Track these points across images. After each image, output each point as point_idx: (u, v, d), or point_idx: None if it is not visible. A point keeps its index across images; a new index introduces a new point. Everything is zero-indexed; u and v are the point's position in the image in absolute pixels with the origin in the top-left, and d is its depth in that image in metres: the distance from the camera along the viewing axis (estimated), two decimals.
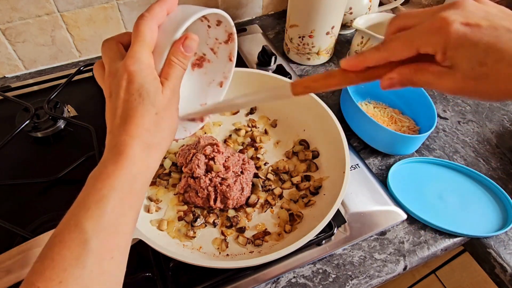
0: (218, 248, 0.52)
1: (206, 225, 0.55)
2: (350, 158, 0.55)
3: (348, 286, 0.52)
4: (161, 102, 0.33)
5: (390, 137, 0.62)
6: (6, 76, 0.79)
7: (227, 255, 0.52)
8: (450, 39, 0.28)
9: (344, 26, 0.89)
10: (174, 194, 0.58)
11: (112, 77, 0.33)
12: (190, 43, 0.34)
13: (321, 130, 0.62)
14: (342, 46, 0.89)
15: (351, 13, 0.86)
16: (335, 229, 0.54)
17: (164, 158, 0.61)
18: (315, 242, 0.54)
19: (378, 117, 0.69)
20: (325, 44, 0.79)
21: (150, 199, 0.57)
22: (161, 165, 0.61)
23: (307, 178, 0.60)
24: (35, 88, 0.76)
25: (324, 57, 0.83)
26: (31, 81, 0.77)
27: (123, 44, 0.36)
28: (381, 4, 0.90)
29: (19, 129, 0.64)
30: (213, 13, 0.37)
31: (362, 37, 0.76)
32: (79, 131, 0.69)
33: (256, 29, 0.92)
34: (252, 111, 0.69)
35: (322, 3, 0.71)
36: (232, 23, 0.41)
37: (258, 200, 0.57)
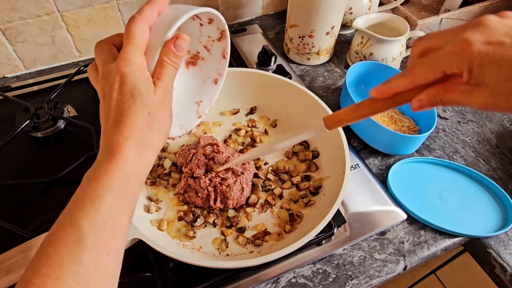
0: (218, 248, 0.52)
1: (206, 225, 0.55)
2: (350, 158, 0.55)
3: (348, 286, 0.52)
4: (154, 102, 0.33)
5: (390, 137, 0.62)
6: (6, 76, 0.79)
7: (227, 255, 0.52)
8: (474, 59, 0.29)
9: (344, 26, 0.89)
10: (174, 194, 0.58)
11: (105, 79, 0.34)
12: (181, 43, 0.35)
13: None
14: (342, 46, 0.89)
15: (351, 13, 0.86)
16: (335, 229, 0.54)
17: (164, 158, 0.61)
18: (315, 242, 0.54)
19: (378, 117, 0.69)
20: (325, 44, 0.79)
21: (150, 199, 0.57)
22: (161, 165, 0.61)
23: (307, 178, 0.60)
24: (35, 88, 0.76)
25: (324, 57, 0.83)
26: (31, 81, 0.77)
27: (116, 46, 0.36)
28: (381, 4, 0.90)
29: (19, 129, 0.64)
30: (203, 12, 0.37)
31: (362, 37, 0.76)
32: (79, 131, 0.69)
33: (256, 29, 0.92)
34: (252, 111, 0.69)
35: (322, 3, 0.71)
36: (224, 21, 0.41)
37: (258, 200, 0.57)
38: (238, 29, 0.91)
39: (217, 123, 0.68)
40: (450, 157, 0.68)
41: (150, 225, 0.53)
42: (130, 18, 0.34)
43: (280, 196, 0.58)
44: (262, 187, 0.59)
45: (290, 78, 0.72)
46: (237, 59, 0.81)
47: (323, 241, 0.54)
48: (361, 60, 0.78)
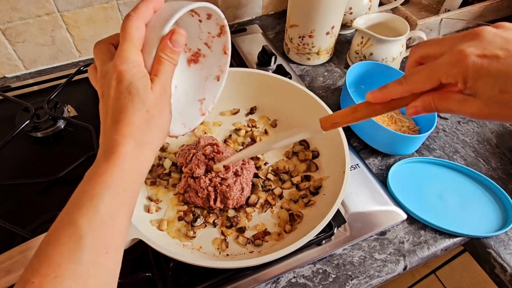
0: (218, 248, 0.52)
1: (206, 225, 0.55)
2: (350, 158, 0.55)
3: (348, 286, 0.52)
4: (151, 99, 0.33)
5: (390, 137, 0.62)
6: (6, 76, 0.79)
7: (227, 255, 0.52)
8: (469, 71, 0.29)
9: (344, 26, 0.89)
10: (174, 194, 0.58)
11: (103, 78, 0.34)
12: (178, 38, 0.34)
13: None
14: (342, 46, 0.89)
15: (351, 13, 0.86)
16: (335, 229, 0.54)
17: (164, 158, 0.61)
18: (315, 242, 0.54)
19: (378, 117, 0.69)
20: (325, 44, 0.79)
21: (150, 199, 0.57)
22: (161, 165, 0.61)
23: (307, 178, 0.60)
24: (35, 88, 0.76)
25: (324, 57, 0.83)
26: (31, 81, 0.77)
27: (114, 45, 0.36)
28: (381, 4, 0.90)
29: (19, 129, 0.64)
30: (200, 6, 0.37)
31: (362, 37, 0.76)
32: (79, 131, 0.69)
33: (256, 29, 0.92)
34: (252, 111, 0.69)
35: (322, 3, 0.71)
36: (222, 16, 0.41)
37: (258, 200, 0.57)
38: (238, 29, 0.91)
39: (217, 123, 0.68)
40: (450, 157, 0.68)
41: (150, 225, 0.53)
42: (125, 16, 0.34)
43: (280, 196, 0.58)
44: (262, 187, 0.59)
45: (290, 78, 0.72)
46: (237, 59, 0.81)
47: (323, 241, 0.54)
48: (361, 60, 0.78)
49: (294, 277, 0.52)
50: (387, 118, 0.69)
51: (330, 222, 0.52)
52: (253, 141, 0.65)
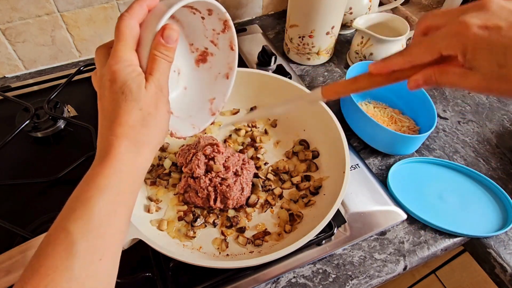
0: (218, 248, 0.52)
1: (206, 225, 0.55)
2: (350, 158, 0.55)
3: (348, 286, 0.52)
4: (145, 97, 0.32)
5: (390, 137, 0.62)
6: (6, 76, 0.79)
7: (227, 255, 0.52)
8: (469, 43, 0.29)
9: (344, 26, 0.89)
10: (174, 194, 0.58)
11: (100, 80, 0.33)
12: (169, 33, 0.33)
13: (321, 130, 0.62)
14: (342, 46, 0.89)
15: (351, 13, 0.86)
16: (335, 229, 0.54)
17: (164, 158, 0.61)
18: (315, 242, 0.54)
19: (378, 117, 0.69)
20: (325, 44, 0.79)
21: (150, 199, 0.57)
22: (161, 165, 0.61)
23: (307, 178, 0.60)
24: (35, 88, 0.76)
25: (324, 57, 0.83)
26: (31, 81, 0.77)
27: None
28: (381, 4, 0.90)
29: (19, 129, 0.64)
30: (197, 1, 0.36)
31: (362, 37, 0.76)
32: (79, 131, 0.69)
33: (256, 29, 0.92)
34: (252, 111, 0.69)
35: (322, 3, 0.71)
36: (223, 9, 0.40)
37: (258, 200, 0.57)
38: (238, 29, 0.91)
39: (217, 123, 0.68)
40: (450, 157, 0.68)
41: (150, 225, 0.53)
42: (119, 16, 0.33)
43: (280, 196, 0.58)
44: (262, 187, 0.59)
45: (290, 78, 0.72)
46: (237, 59, 0.81)
47: (323, 241, 0.54)
48: (361, 60, 0.78)
49: (294, 277, 0.52)
50: (387, 118, 0.69)
51: (330, 222, 0.52)
52: (253, 141, 0.65)
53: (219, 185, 0.54)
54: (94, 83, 0.36)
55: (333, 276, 0.52)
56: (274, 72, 0.75)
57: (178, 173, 0.60)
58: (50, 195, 0.60)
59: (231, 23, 0.43)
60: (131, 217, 0.33)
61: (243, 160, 0.58)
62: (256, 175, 0.60)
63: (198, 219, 0.54)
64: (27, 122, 0.65)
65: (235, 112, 0.69)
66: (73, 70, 0.75)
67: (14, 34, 0.73)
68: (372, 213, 0.58)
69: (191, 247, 0.52)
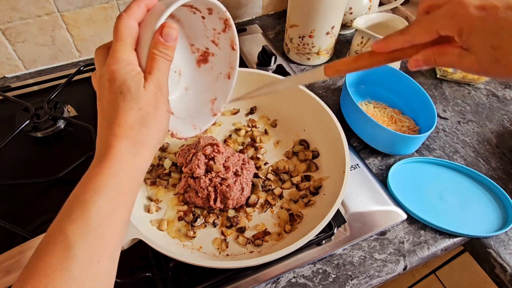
0: (218, 248, 0.52)
1: (206, 225, 0.55)
2: (350, 158, 0.55)
3: (348, 286, 0.52)
4: (144, 97, 0.32)
5: (390, 137, 0.62)
6: (6, 76, 0.79)
7: (227, 255, 0.52)
8: (465, 23, 0.29)
9: (344, 26, 0.89)
10: (174, 194, 0.58)
11: (100, 80, 0.33)
12: (168, 31, 0.33)
13: (321, 130, 0.62)
14: (342, 46, 0.89)
15: (351, 13, 0.86)
16: (335, 229, 0.54)
17: (164, 158, 0.61)
18: (315, 242, 0.54)
19: (378, 117, 0.69)
20: (325, 44, 0.79)
21: (150, 199, 0.57)
22: (161, 165, 0.61)
23: (307, 178, 0.60)
24: (35, 88, 0.76)
25: (324, 57, 0.83)
26: (31, 81, 0.77)
27: None
28: (381, 4, 0.90)
29: (19, 129, 0.64)
30: (196, 0, 0.36)
31: (362, 37, 0.76)
32: (79, 131, 0.69)
33: (256, 29, 0.92)
34: (252, 111, 0.69)
35: (322, 3, 0.71)
36: (223, 8, 0.40)
37: (258, 200, 0.57)
38: (238, 29, 0.91)
39: (217, 123, 0.68)
40: (450, 157, 0.68)
41: (150, 225, 0.53)
42: (117, 16, 0.33)
43: (280, 196, 0.58)
44: (262, 187, 0.59)
45: None
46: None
47: (323, 241, 0.54)
48: None
49: (294, 277, 0.52)
50: (387, 118, 0.69)
51: (330, 222, 0.52)
52: (253, 141, 0.65)
53: (219, 185, 0.54)
54: (94, 84, 0.36)
55: (333, 276, 0.52)
56: (274, 72, 0.75)
57: (178, 173, 0.60)
58: (50, 195, 0.60)
59: (231, 22, 0.42)
60: (130, 217, 0.33)
61: (243, 160, 0.58)
62: (256, 175, 0.60)
63: (198, 219, 0.54)
64: (27, 122, 0.65)
65: (235, 112, 0.69)
66: (73, 70, 0.75)
67: (14, 34, 0.73)
68: (372, 213, 0.58)
69: (191, 247, 0.52)
